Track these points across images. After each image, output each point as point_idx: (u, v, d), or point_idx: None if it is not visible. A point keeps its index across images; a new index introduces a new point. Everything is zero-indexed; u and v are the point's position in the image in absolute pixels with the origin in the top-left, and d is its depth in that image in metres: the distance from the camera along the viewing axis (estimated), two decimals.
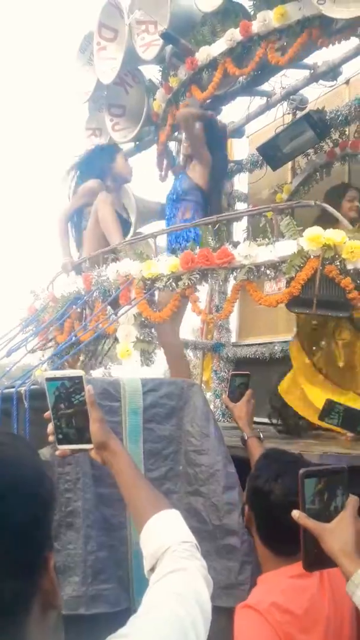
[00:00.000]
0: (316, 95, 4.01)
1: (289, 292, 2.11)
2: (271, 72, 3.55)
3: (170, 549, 0.98)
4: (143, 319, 2.68)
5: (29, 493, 0.71)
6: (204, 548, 1.22)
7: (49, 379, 1.24)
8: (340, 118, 3.73)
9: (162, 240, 3.64)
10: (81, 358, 3.48)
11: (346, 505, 1.07)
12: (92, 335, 2.77)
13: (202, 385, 4.86)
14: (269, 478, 1.49)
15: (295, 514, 1.06)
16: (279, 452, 1.68)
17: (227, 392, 2.27)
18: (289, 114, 4.12)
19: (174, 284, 2.52)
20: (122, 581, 1.91)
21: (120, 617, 1.86)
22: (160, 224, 4.45)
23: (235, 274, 2.33)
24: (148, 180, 4.43)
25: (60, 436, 1.25)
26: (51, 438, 1.27)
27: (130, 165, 3.91)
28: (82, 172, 3.90)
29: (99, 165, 3.78)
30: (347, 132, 3.89)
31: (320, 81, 3.70)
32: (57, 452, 1.28)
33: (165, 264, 2.52)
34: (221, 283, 2.39)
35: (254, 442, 2.06)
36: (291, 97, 3.95)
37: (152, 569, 0.99)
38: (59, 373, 1.25)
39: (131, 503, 1.14)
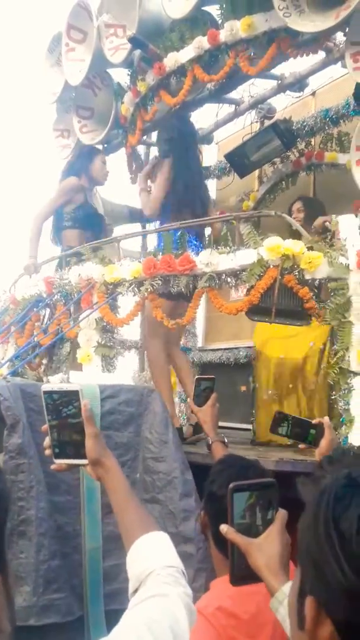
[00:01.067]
0: (284, 105, 4.08)
1: (248, 301, 2.13)
2: (239, 81, 3.59)
3: (154, 573, 0.96)
4: (104, 324, 2.66)
5: None
6: None
7: (45, 392, 1.22)
8: (306, 128, 3.80)
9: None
10: (44, 362, 3.44)
11: (274, 520, 1.06)
12: (52, 338, 2.74)
13: None
14: (223, 484, 1.49)
15: (224, 528, 1.05)
16: (235, 458, 1.69)
17: (193, 396, 2.26)
18: (256, 122, 4.18)
19: (136, 289, 2.51)
20: (75, 589, 1.89)
21: (72, 626, 1.85)
22: (127, 228, 4.44)
23: (197, 281, 2.34)
24: (116, 183, 4.41)
25: (57, 450, 1.23)
26: (48, 452, 1.25)
27: (106, 170, 3.90)
28: (63, 172, 3.88)
29: (78, 164, 3.76)
30: (312, 143, 3.95)
31: (287, 92, 3.76)
32: (52, 467, 1.26)
33: (128, 269, 2.51)
34: (183, 290, 2.38)
35: (218, 446, 2.05)
36: (259, 106, 4.00)
37: (135, 591, 0.97)
38: (56, 386, 1.24)
39: (121, 522, 1.13)
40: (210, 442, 2.08)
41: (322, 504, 0.64)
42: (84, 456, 1.19)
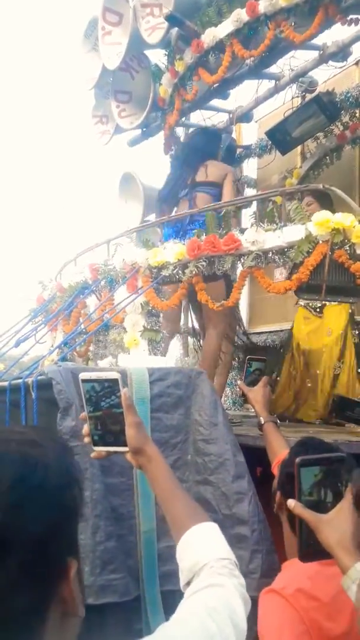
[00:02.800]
0: (326, 77, 3.93)
1: (297, 279, 2.07)
2: (279, 54, 3.47)
3: (207, 565, 0.95)
4: (150, 308, 2.65)
5: (50, 501, 0.68)
6: None
7: (84, 380, 1.20)
8: (350, 100, 3.65)
9: None
10: (91, 348, 3.48)
11: (345, 495, 1.03)
12: (99, 324, 2.75)
13: None
14: None
15: (291, 503, 1.03)
16: (316, 441, 1.64)
17: (242, 377, 2.23)
18: (298, 97, 4.04)
19: (180, 272, 2.49)
20: (131, 570, 1.91)
21: (129, 606, 1.87)
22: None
23: (242, 260, 2.29)
24: (156, 167, 4.39)
25: (96, 437, 1.23)
26: (87, 439, 1.24)
27: None
28: None
29: None
30: (357, 115, 3.80)
31: (330, 62, 3.61)
32: (92, 454, 1.26)
33: (172, 252, 2.49)
34: (228, 270, 2.34)
35: (270, 426, 2.02)
36: (300, 79, 3.87)
37: (188, 583, 0.97)
38: (94, 374, 1.22)
39: (168, 512, 1.10)
40: (262, 423, 2.04)
41: None
42: (123, 443, 1.18)
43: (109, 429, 1.20)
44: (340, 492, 1.04)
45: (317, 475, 1.03)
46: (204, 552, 0.98)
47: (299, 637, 0.98)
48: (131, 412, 1.19)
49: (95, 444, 1.23)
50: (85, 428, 1.24)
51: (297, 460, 1.02)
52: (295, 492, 1.03)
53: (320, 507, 1.03)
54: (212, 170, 3.38)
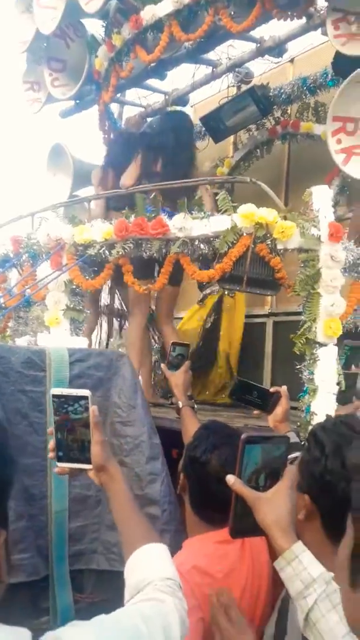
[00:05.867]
0: (261, 71, 4.00)
1: (220, 268, 2.12)
2: (217, 41, 3.49)
3: (152, 583, 0.98)
4: (74, 287, 2.61)
5: None
6: None
7: (54, 395, 1.22)
8: (283, 96, 3.74)
9: None
10: (10, 324, 3.37)
11: (283, 476, 1.04)
12: (18, 300, 2.67)
13: None
14: (207, 449, 1.50)
15: (230, 479, 1.03)
16: (219, 425, 1.70)
17: (166, 361, 2.27)
18: (233, 86, 4.09)
19: (107, 251, 2.46)
20: (41, 550, 1.91)
21: (38, 585, 1.87)
22: None
23: (169, 245, 2.30)
24: (88, 141, 4.29)
25: (60, 453, 1.24)
26: (51, 455, 1.25)
27: None
28: None
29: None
30: (289, 111, 3.90)
31: (266, 56, 3.68)
32: (56, 470, 1.27)
33: (99, 231, 2.45)
34: (155, 254, 2.35)
35: (187, 411, 2.07)
36: (237, 69, 3.92)
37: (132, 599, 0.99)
38: (65, 391, 1.24)
39: (121, 530, 1.13)
40: (180, 407, 2.09)
41: None
42: (87, 461, 1.20)
43: (74, 445, 1.22)
44: (279, 472, 1.05)
45: (258, 453, 1.04)
46: (150, 571, 1.00)
47: (190, 612, 1.04)
48: (98, 429, 1.21)
49: (60, 459, 1.24)
50: (51, 443, 1.25)
51: (243, 436, 1.03)
52: (236, 468, 1.04)
53: (259, 485, 1.04)
54: None
